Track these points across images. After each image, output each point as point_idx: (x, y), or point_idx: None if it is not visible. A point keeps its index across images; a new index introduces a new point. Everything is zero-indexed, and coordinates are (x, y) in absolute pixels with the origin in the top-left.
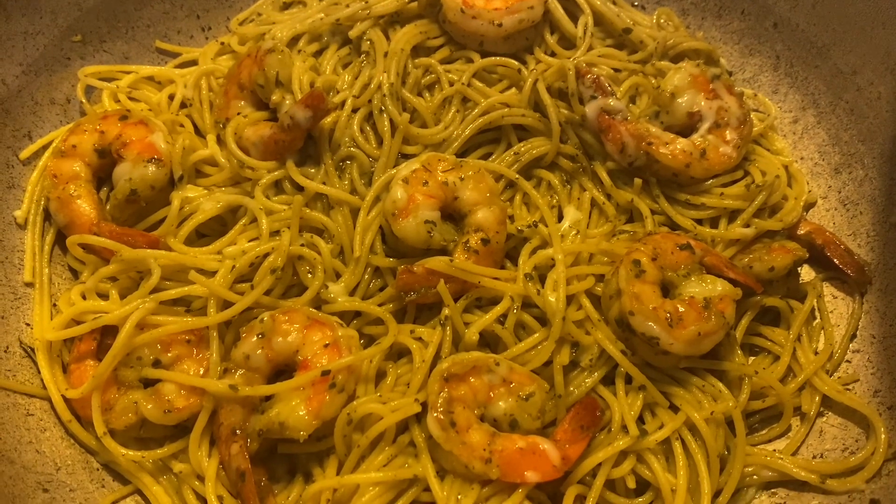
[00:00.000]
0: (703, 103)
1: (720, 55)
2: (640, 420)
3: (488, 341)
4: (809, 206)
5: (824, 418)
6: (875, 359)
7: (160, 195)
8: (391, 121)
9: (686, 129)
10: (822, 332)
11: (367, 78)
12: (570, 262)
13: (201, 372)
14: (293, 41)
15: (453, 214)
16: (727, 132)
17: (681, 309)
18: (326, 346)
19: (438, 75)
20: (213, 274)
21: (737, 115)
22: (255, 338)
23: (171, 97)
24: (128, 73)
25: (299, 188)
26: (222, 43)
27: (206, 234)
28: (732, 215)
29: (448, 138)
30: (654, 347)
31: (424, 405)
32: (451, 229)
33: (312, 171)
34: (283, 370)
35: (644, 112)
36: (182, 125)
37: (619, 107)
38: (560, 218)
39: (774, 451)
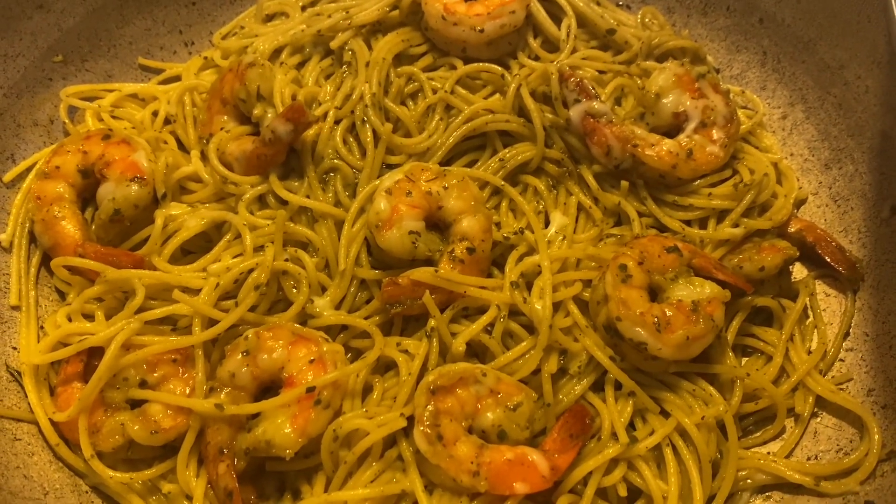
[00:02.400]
0: (688, 103)
1: (706, 53)
2: (631, 426)
3: (476, 351)
4: (800, 203)
5: (818, 419)
6: (868, 357)
7: (144, 214)
8: (374, 131)
9: (672, 129)
10: (815, 330)
11: (349, 88)
12: (557, 269)
13: (187, 391)
14: (275, 54)
15: (438, 224)
16: (714, 131)
17: (668, 313)
18: (312, 361)
19: (421, 83)
20: (197, 292)
21: (723, 114)
22: (239, 355)
23: (155, 114)
24: (111, 91)
25: (283, 202)
26: (205, 58)
27: (192, 250)
28: (721, 215)
29: (432, 147)
30: (643, 353)
31: (411, 419)
32: (437, 239)
33: (296, 184)
34: (269, 387)
35: (629, 114)
36: (166, 142)
37: (604, 109)
38: (547, 223)
39: (768, 453)
